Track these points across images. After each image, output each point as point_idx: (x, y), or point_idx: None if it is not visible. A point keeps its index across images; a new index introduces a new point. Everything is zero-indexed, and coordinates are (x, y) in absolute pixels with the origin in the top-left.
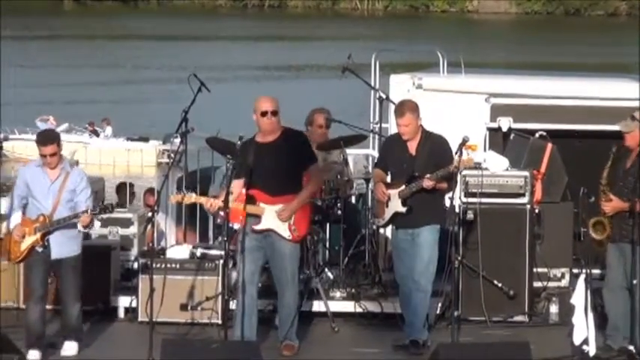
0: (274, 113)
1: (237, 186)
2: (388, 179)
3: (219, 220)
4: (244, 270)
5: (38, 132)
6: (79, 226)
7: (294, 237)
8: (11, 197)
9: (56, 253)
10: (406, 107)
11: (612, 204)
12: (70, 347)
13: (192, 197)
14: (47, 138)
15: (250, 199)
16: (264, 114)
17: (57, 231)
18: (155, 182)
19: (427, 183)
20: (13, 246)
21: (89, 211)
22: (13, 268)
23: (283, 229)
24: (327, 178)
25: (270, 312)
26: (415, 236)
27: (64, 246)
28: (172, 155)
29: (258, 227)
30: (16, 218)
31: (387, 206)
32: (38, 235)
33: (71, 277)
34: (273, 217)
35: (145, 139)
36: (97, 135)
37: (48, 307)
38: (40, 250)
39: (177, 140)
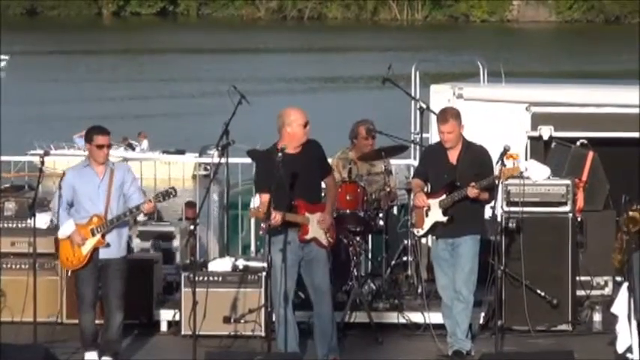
0: (308, 124)
1: (266, 198)
2: (427, 189)
3: (261, 232)
4: (286, 284)
5: (92, 126)
6: (142, 215)
7: (330, 244)
8: (56, 204)
9: (104, 253)
10: (449, 114)
11: None
12: None
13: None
14: (104, 129)
15: (293, 210)
16: (306, 124)
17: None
18: (192, 195)
19: (472, 191)
20: (74, 252)
21: (152, 199)
22: (55, 282)
23: (323, 238)
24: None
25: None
26: (456, 246)
27: (111, 246)
28: (209, 168)
29: (307, 237)
30: (70, 224)
31: (427, 216)
32: (99, 236)
33: (117, 282)
34: (316, 226)
35: (182, 152)
36: (133, 149)
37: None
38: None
39: (215, 152)
